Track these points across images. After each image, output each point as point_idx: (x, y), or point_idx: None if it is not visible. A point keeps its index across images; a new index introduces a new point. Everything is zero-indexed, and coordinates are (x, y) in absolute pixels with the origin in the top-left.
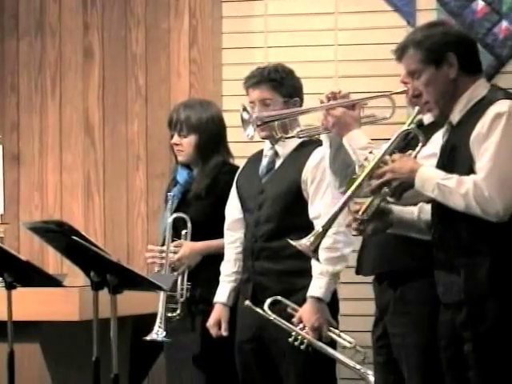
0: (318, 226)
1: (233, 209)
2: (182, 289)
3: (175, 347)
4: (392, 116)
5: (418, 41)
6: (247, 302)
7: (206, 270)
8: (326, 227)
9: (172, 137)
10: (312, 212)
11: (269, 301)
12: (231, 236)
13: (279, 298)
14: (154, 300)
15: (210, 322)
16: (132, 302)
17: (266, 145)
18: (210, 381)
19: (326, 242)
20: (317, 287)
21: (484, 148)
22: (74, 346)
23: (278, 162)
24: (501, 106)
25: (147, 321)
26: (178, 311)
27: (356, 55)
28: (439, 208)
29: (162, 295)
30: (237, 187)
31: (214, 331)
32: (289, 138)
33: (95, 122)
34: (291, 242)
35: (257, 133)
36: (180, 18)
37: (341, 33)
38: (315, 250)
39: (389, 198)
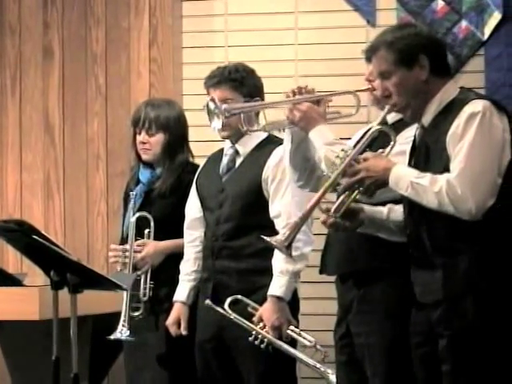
0: (279, 225)
1: (192, 207)
2: (145, 288)
3: (137, 346)
4: (357, 112)
5: (389, 42)
6: (208, 301)
7: (169, 269)
8: (300, 224)
9: (135, 135)
10: (272, 211)
11: (229, 300)
12: (191, 235)
13: (239, 296)
14: (115, 299)
15: (170, 320)
16: (92, 302)
17: (227, 144)
18: (173, 380)
19: None
20: (277, 286)
21: (459, 147)
22: (34, 345)
23: (239, 161)
24: (475, 105)
25: (108, 320)
26: (141, 310)
27: (316, 54)
28: (414, 207)
29: (125, 294)
30: (197, 186)
31: (173, 330)
32: (254, 131)
33: (55, 121)
34: (265, 237)
35: (219, 131)
36: (140, 17)
37: (301, 32)
38: (289, 246)
39: (360, 197)
